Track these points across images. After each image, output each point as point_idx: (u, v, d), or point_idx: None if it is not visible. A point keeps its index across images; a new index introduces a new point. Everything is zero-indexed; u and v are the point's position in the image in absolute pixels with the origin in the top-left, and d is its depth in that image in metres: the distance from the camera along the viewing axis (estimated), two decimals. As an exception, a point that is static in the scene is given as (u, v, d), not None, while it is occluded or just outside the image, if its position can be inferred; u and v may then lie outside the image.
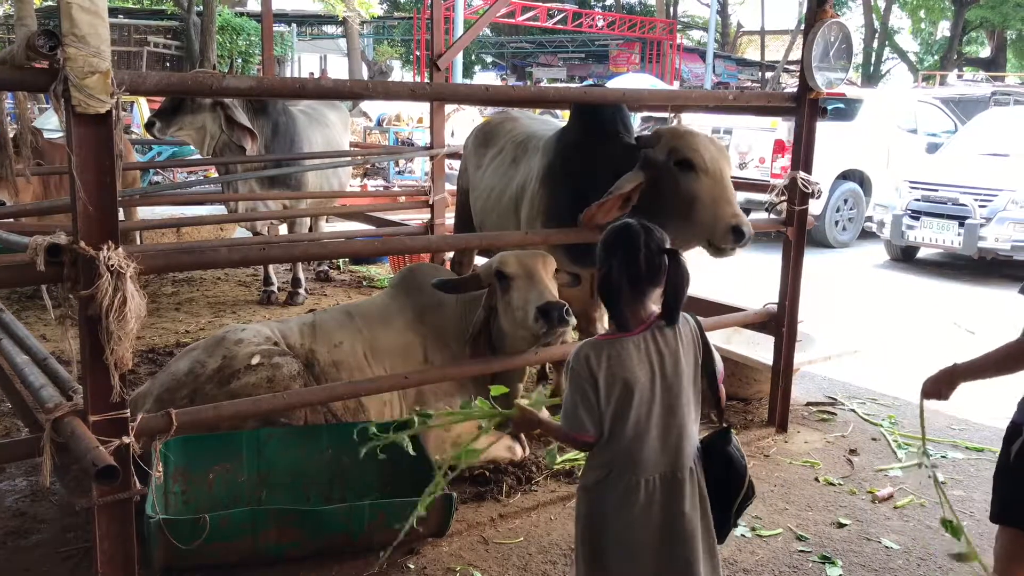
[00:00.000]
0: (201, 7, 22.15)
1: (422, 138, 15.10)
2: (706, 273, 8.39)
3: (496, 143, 4.73)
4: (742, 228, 3.43)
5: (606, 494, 2.23)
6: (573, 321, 3.37)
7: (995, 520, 2.54)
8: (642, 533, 2.19)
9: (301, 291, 6.97)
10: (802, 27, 4.46)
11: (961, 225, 8.70)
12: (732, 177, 3.66)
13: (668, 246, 2.23)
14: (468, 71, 34.93)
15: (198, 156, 7.33)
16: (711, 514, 2.28)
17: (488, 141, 4.82)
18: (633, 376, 2.16)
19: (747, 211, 12.58)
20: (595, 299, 4.04)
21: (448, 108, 8.39)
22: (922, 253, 9.96)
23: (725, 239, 3.46)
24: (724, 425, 2.39)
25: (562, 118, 8.71)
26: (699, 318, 2.33)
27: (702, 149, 3.53)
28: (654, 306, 2.23)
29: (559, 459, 3.74)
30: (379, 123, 17.96)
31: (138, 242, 7.16)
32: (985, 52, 34.06)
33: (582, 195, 3.61)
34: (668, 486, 2.21)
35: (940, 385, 2.59)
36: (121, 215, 6.76)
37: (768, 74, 33.96)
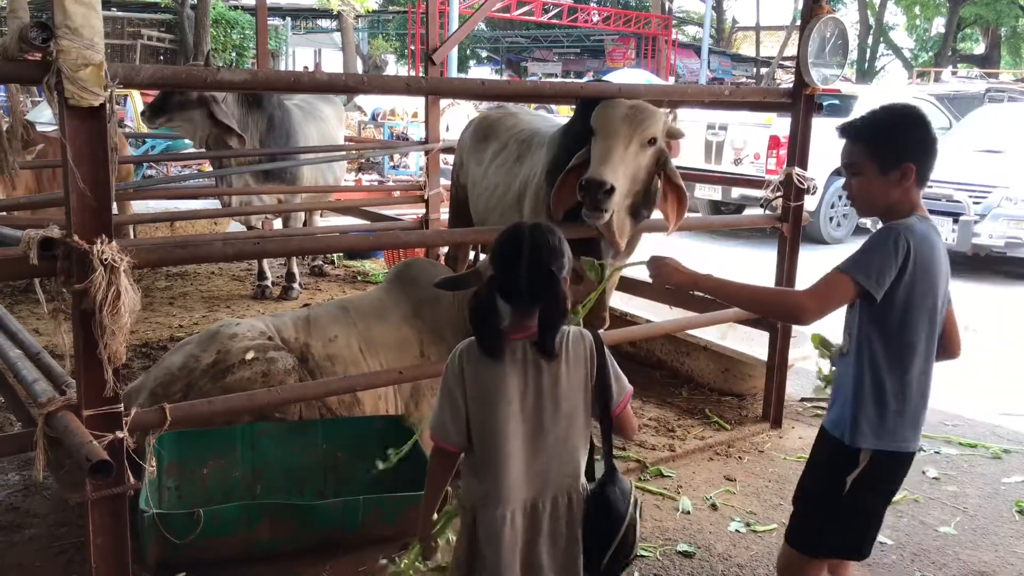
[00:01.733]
0: (195, 0, 22.06)
1: (417, 133, 15.08)
2: (701, 269, 8.42)
3: (497, 139, 4.68)
4: (590, 182, 3.16)
5: (478, 523, 2.04)
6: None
7: (822, 555, 2.39)
8: (508, 570, 2.00)
9: (295, 286, 6.96)
10: (797, 23, 4.46)
11: (955, 222, 8.71)
12: (726, 173, 3.62)
13: (557, 263, 1.97)
14: (463, 66, 34.89)
15: (192, 150, 7.32)
16: (580, 563, 2.05)
17: (488, 136, 4.78)
18: (499, 386, 1.97)
19: (741, 207, 12.57)
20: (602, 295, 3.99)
21: (443, 103, 8.37)
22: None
23: (581, 197, 3.27)
24: (611, 463, 2.13)
25: (558, 113, 8.68)
26: (599, 333, 2.12)
27: (599, 113, 3.41)
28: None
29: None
30: (374, 117, 17.94)
31: (132, 236, 7.13)
32: (979, 49, 34.15)
33: None
34: (529, 517, 2.02)
35: (680, 282, 2.46)
36: (115, 209, 6.75)
37: (763, 70, 33.97)
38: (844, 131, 2.31)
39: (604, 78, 18.97)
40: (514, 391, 1.98)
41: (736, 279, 2.42)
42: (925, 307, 2.21)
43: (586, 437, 2.08)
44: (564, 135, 4.06)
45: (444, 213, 6.20)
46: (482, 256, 5.46)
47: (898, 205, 2.25)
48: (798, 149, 4.17)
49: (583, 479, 2.09)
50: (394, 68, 35.63)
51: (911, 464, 2.34)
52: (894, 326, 2.21)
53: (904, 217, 2.23)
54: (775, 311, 2.56)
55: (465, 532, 2.09)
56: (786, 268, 4.29)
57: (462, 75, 28.28)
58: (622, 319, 5.26)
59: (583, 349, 2.04)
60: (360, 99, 18.55)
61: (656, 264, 2.47)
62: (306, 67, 32.04)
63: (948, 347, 2.37)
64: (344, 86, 3.91)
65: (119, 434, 2.37)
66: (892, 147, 2.24)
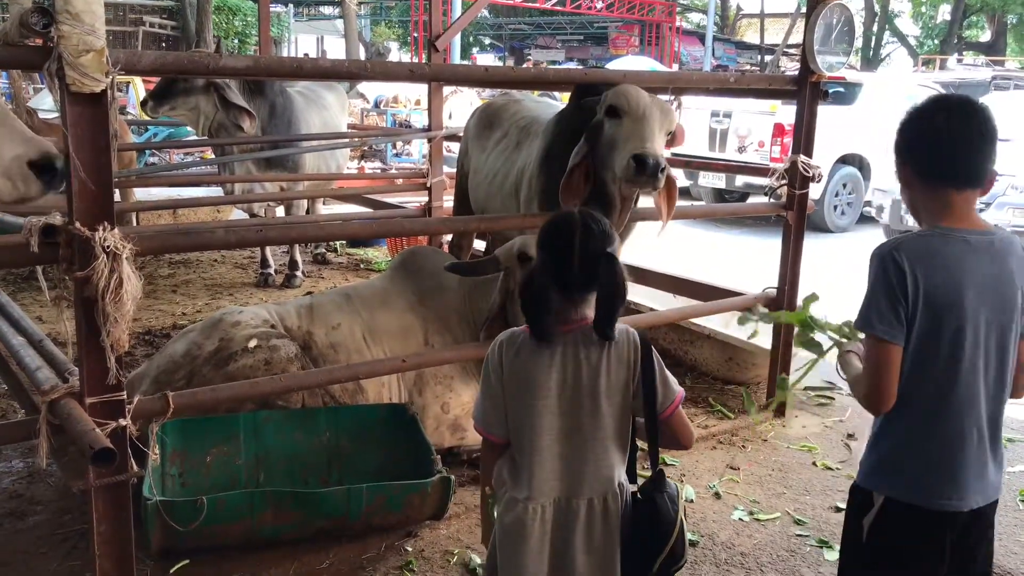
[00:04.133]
0: (197, -13, 21.96)
1: (420, 120, 15.04)
2: (705, 257, 8.40)
3: (500, 126, 4.67)
4: (645, 157, 3.12)
5: (503, 513, 2.02)
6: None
7: None
8: (533, 564, 1.96)
9: (298, 274, 6.96)
10: (802, 10, 4.42)
11: (960, 210, 8.67)
12: (730, 161, 3.60)
13: (611, 248, 1.97)
14: (466, 53, 34.78)
15: (194, 137, 7.30)
16: (617, 569, 1.98)
17: (492, 124, 4.76)
18: (538, 378, 1.95)
19: (745, 195, 12.53)
20: None
21: (446, 90, 8.33)
22: (920, 238, 9.94)
23: (627, 171, 3.21)
24: (659, 468, 2.07)
25: (561, 101, 8.64)
26: (646, 335, 2.04)
27: (628, 93, 3.38)
28: (589, 311, 1.99)
29: None
30: (376, 105, 17.88)
31: (134, 224, 7.12)
32: (985, 36, 33.93)
33: None
34: (561, 515, 1.97)
35: None
36: (117, 196, 6.74)
37: (767, 57, 33.82)
38: None
39: (607, 66, 18.91)
40: (552, 385, 1.96)
41: None
42: (941, 337, 1.88)
43: (625, 440, 2.03)
44: (558, 123, 4.03)
45: (448, 201, 6.17)
46: (482, 244, 5.46)
47: (917, 207, 2.03)
48: (803, 136, 4.15)
49: (623, 480, 2.03)
50: (397, 55, 35.52)
51: (955, 524, 1.96)
52: (913, 369, 1.92)
53: (932, 222, 1.97)
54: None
55: (497, 520, 2.06)
56: (791, 256, 4.27)
57: (465, 62, 28.19)
58: (626, 308, 5.25)
59: (627, 349, 1.99)
60: (363, 86, 18.49)
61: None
62: (306, 54, 31.95)
63: (1015, 382, 2.02)
64: (347, 73, 3.89)
65: (122, 422, 2.37)
66: (896, 144, 2.07)
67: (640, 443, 2.12)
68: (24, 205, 2.46)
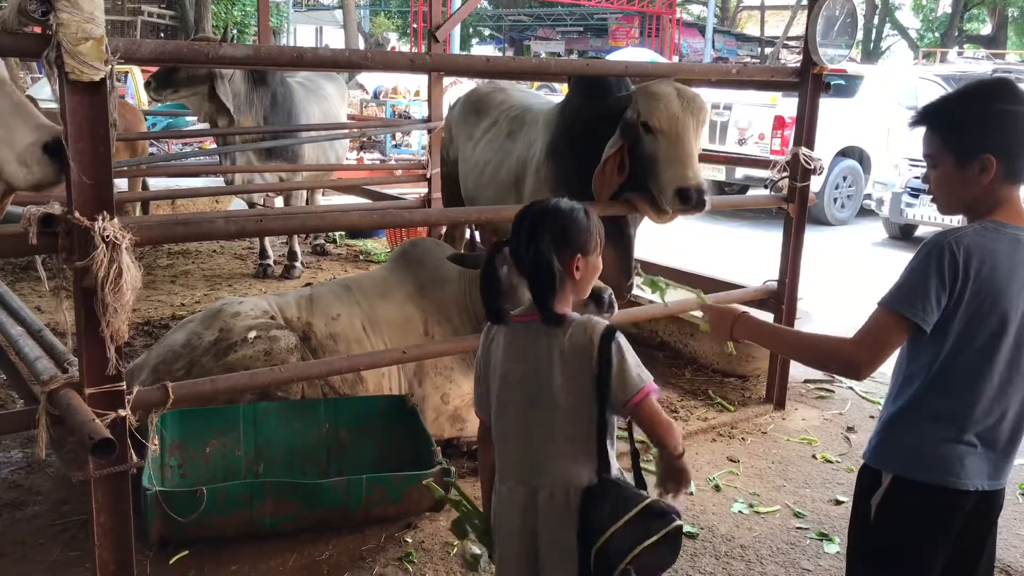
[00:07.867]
0: (196, -24, 21.86)
1: (419, 111, 15.00)
2: (705, 250, 8.39)
3: (488, 115, 4.64)
4: (688, 192, 3.31)
5: (493, 493, 2.10)
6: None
7: None
8: (508, 545, 2.02)
9: (297, 264, 6.94)
10: (803, 2, 4.39)
11: (959, 202, 8.63)
12: (730, 153, 3.60)
13: (572, 234, 1.92)
14: (465, 44, 34.68)
15: (193, 127, 7.30)
16: (576, 567, 1.92)
17: (479, 111, 4.73)
18: (497, 365, 2.00)
19: (745, 187, 12.46)
20: (620, 273, 4.00)
21: (446, 81, 8.30)
22: (920, 231, 9.92)
23: (673, 203, 3.38)
24: (603, 475, 1.96)
25: (561, 92, 8.61)
26: (613, 324, 1.97)
27: (661, 109, 3.41)
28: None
29: None
30: (376, 96, 17.85)
31: (136, 213, 7.11)
32: (986, 29, 33.85)
33: (588, 166, 3.58)
34: (530, 503, 1.96)
35: (725, 324, 2.16)
36: (125, 186, 6.75)
37: (768, 50, 33.75)
38: (919, 118, 1.98)
39: (608, 57, 18.86)
40: (516, 373, 1.98)
41: (786, 328, 2.11)
42: (980, 329, 1.87)
43: (587, 432, 1.95)
44: (561, 113, 4.02)
45: (447, 192, 6.15)
46: (477, 235, 5.44)
47: (978, 203, 1.92)
48: (805, 129, 4.13)
49: (593, 477, 1.95)
50: (396, 46, 35.41)
51: (963, 506, 1.94)
52: (946, 355, 1.89)
53: (984, 216, 1.90)
54: (826, 364, 2.12)
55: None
56: (792, 249, 4.26)
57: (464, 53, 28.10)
58: (627, 300, 5.24)
59: (584, 339, 1.92)
60: (362, 77, 18.46)
61: (714, 317, 2.21)
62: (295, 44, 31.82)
63: None
64: (348, 62, 3.86)
65: (121, 412, 2.36)
66: (967, 135, 1.89)
67: (639, 437, 2.10)
68: (42, 191, 2.44)
